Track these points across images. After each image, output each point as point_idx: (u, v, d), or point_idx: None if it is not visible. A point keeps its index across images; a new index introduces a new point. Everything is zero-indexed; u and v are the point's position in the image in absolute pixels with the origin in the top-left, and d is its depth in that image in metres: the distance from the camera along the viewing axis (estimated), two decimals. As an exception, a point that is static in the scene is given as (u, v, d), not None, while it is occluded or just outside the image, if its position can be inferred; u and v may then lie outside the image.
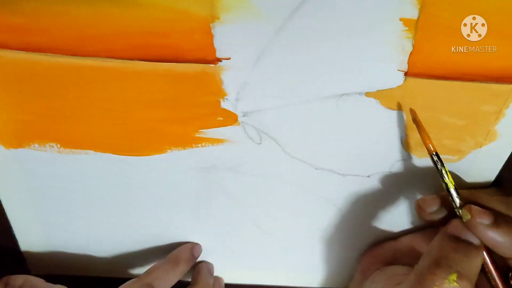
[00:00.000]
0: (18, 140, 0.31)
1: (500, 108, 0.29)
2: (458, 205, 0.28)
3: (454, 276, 0.25)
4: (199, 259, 0.39)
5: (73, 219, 0.36)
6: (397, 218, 0.36)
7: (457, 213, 0.28)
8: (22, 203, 0.35)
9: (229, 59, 0.27)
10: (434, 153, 0.28)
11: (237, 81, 0.28)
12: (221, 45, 0.26)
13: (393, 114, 0.30)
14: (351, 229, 0.37)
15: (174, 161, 0.32)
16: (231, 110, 0.30)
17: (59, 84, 0.28)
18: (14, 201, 0.35)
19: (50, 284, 0.35)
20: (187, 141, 0.31)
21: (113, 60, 0.27)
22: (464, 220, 0.27)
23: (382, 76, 0.28)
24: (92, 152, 0.32)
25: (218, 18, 0.25)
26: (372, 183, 0.34)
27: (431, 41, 0.26)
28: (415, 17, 0.25)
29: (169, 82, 0.28)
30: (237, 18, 0.25)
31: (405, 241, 0.35)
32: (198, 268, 0.38)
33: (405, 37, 0.26)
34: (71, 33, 0.26)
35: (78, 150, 0.32)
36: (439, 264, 0.26)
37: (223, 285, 0.41)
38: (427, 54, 0.27)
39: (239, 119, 0.30)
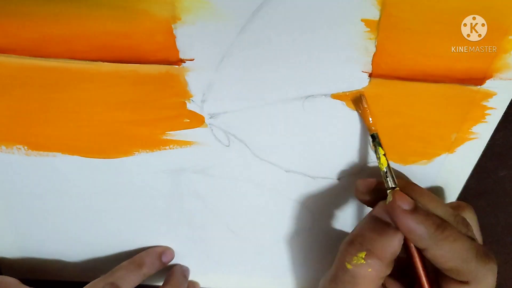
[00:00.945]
0: (-16, 142, 0.31)
1: (467, 110, 0.29)
2: (389, 186, 0.28)
3: (363, 254, 0.26)
4: (174, 262, 0.39)
5: (43, 223, 0.36)
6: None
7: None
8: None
9: (192, 60, 0.27)
10: (374, 134, 0.29)
11: (202, 82, 0.28)
12: (184, 46, 0.26)
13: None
14: (323, 232, 0.36)
15: (142, 163, 0.32)
16: (197, 111, 0.29)
17: (22, 86, 0.28)
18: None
19: (25, 286, 0.34)
20: (155, 143, 0.31)
21: (75, 61, 0.27)
22: (387, 202, 0.27)
23: (346, 78, 0.28)
24: (59, 154, 0.31)
25: (180, 19, 0.25)
26: (342, 186, 0.33)
27: (394, 42, 0.26)
28: (377, 18, 0.25)
29: (134, 84, 0.28)
30: (198, 18, 0.25)
31: None
32: (171, 270, 0.38)
33: (368, 38, 0.26)
34: (32, 34, 0.26)
35: (46, 153, 0.31)
36: (353, 242, 0.27)
37: None
38: (390, 55, 0.27)
39: (206, 121, 0.30)
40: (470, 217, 0.29)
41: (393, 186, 0.28)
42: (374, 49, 0.26)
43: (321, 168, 0.33)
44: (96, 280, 0.33)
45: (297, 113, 0.29)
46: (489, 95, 0.28)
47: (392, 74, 0.27)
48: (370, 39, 0.26)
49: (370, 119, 0.29)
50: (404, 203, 0.26)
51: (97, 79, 0.28)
